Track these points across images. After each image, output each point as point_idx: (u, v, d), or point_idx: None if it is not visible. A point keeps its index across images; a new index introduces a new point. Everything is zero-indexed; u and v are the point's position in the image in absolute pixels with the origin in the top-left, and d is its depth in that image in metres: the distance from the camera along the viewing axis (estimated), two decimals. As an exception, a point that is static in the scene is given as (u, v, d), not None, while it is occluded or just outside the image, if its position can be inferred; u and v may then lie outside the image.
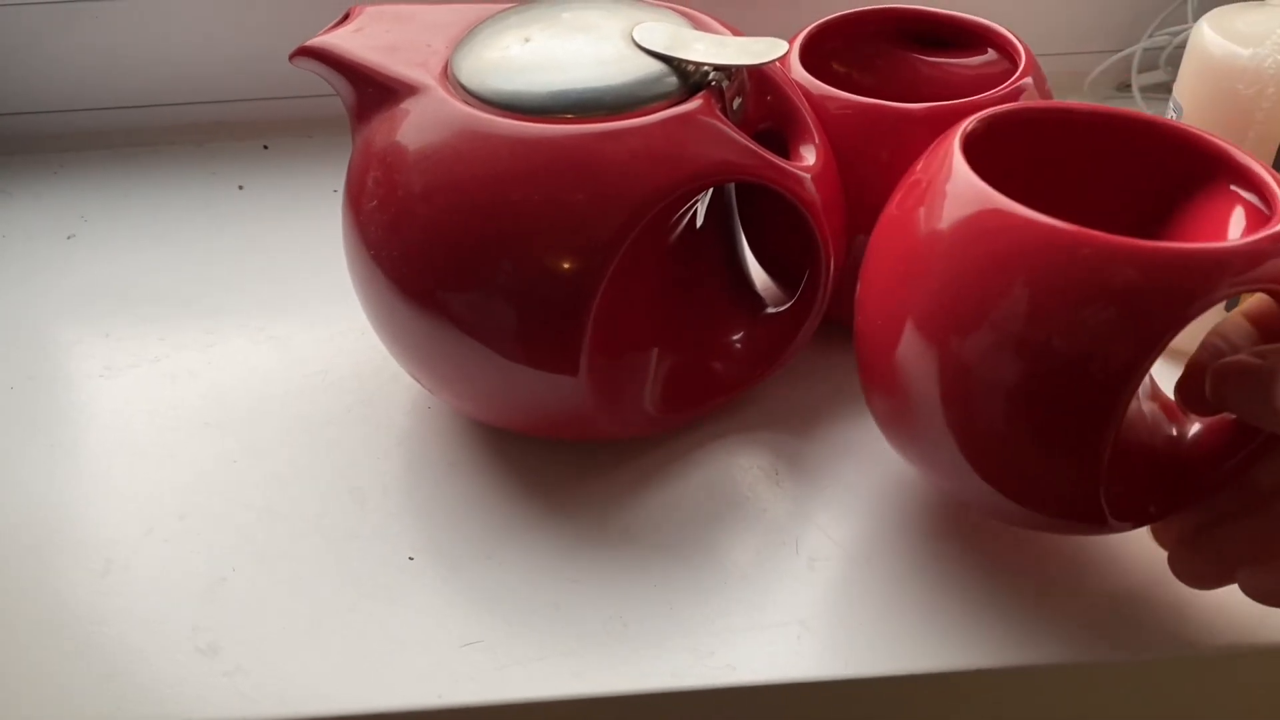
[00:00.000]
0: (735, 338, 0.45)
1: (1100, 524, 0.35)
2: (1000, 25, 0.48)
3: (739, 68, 0.40)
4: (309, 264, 0.55)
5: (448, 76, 0.40)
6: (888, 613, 0.38)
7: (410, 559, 0.41)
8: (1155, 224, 0.39)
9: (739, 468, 0.44)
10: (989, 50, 0.49)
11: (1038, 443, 0.34)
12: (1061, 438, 0.33)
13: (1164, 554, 0.36)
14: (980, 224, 0.33)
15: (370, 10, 0.44)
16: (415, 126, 0.39)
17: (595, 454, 0.44)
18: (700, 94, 0.39)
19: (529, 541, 0.41)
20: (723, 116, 0.39)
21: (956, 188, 0.34)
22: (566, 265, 0.37)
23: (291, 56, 0.42)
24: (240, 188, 0.61)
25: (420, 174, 0.38)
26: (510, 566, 0.40)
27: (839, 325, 0.44)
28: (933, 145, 0.38)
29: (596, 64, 0.39)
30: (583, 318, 0.37)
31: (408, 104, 0.40)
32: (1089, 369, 0.32)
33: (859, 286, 0.39)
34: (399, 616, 0.39)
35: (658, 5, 0.43)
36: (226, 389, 0.48)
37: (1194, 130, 0.37)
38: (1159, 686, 0.38)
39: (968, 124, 0.37)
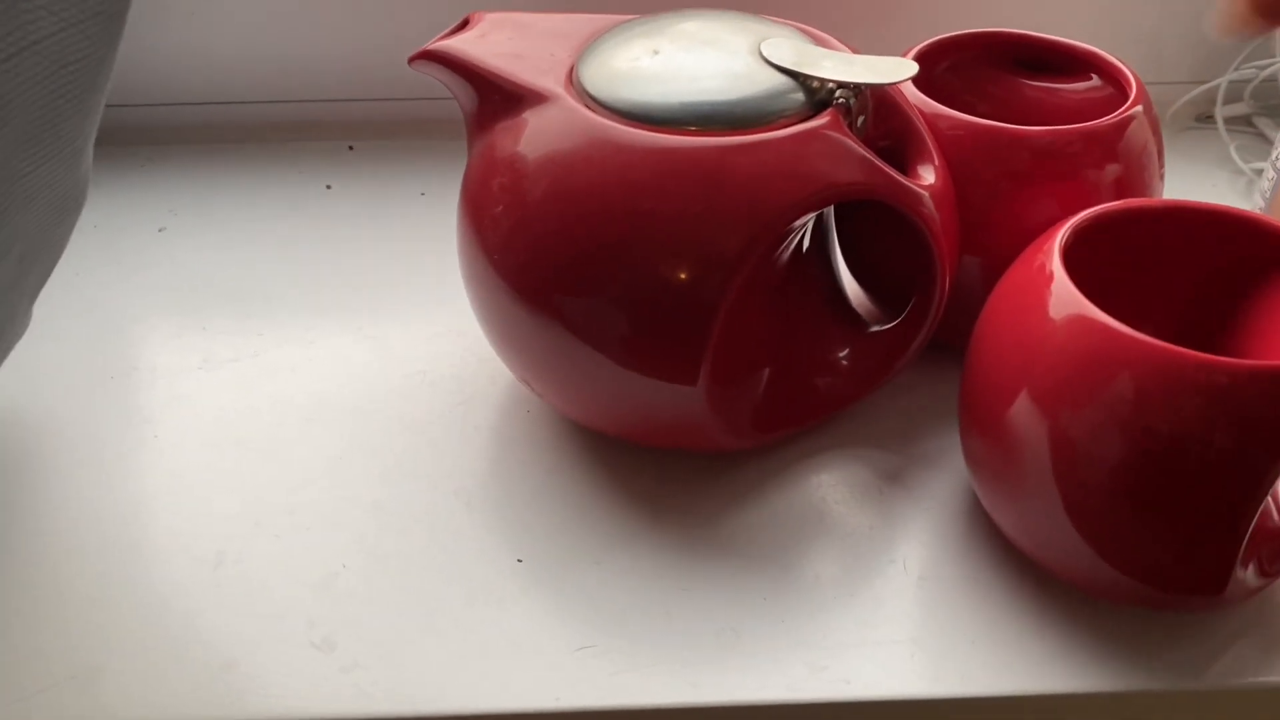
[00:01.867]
0: (841, 354, 0.45)
1: (1215, 595, 0.36)
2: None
3: (867, 86, 0.40)
4: (401, 266, 0.55)
5: (574, 85, 0.41)
6: (1001, 632, 0.38)
7: (519, 561, 0.41)
8: (1231, 299, 0.41)
9: (842, 483, 0.44)
10: (1093, 76, 0.50)
11: (1171, 527, 0.35)
12: (1198, 524, 0.34)
13: None
14: (1082, 329, 0.35)
15: (490, 17, 0.44)
16: (544, 134, 0.39)
17: (695, 464, 0.44)
18: (827, 111, 0.39)
19: (635, 549, 0.41)
20: (851, 133, 0.39)
21: (1059, 293, 0.36)
22: (695, 275, 0.37)
23: (412, 59, 0.43)
24: (328, 187, 0.61)
25: (549, 181, 0.39)
26: (619, 572, 0.40)
27: (935, 342, 0.44)
28: (1035, 242, 0.39)
29: (726, 77, 0.40)
30: (708, 329, 0.38)
31: (536, 111, 0.40)
32: (1223, 470, 0.33)
33: (973, 342, 0.39)
34: (511, 618, 0.39)
35: (778, 21, 0.44)
36: (328, 386, 0.48)
37: (1263, 218, 0.40)
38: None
39: (1064, 234, 0.38)
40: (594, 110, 0.39)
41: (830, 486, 0.44)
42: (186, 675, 0.37)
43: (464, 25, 0.44)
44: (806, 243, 0.45)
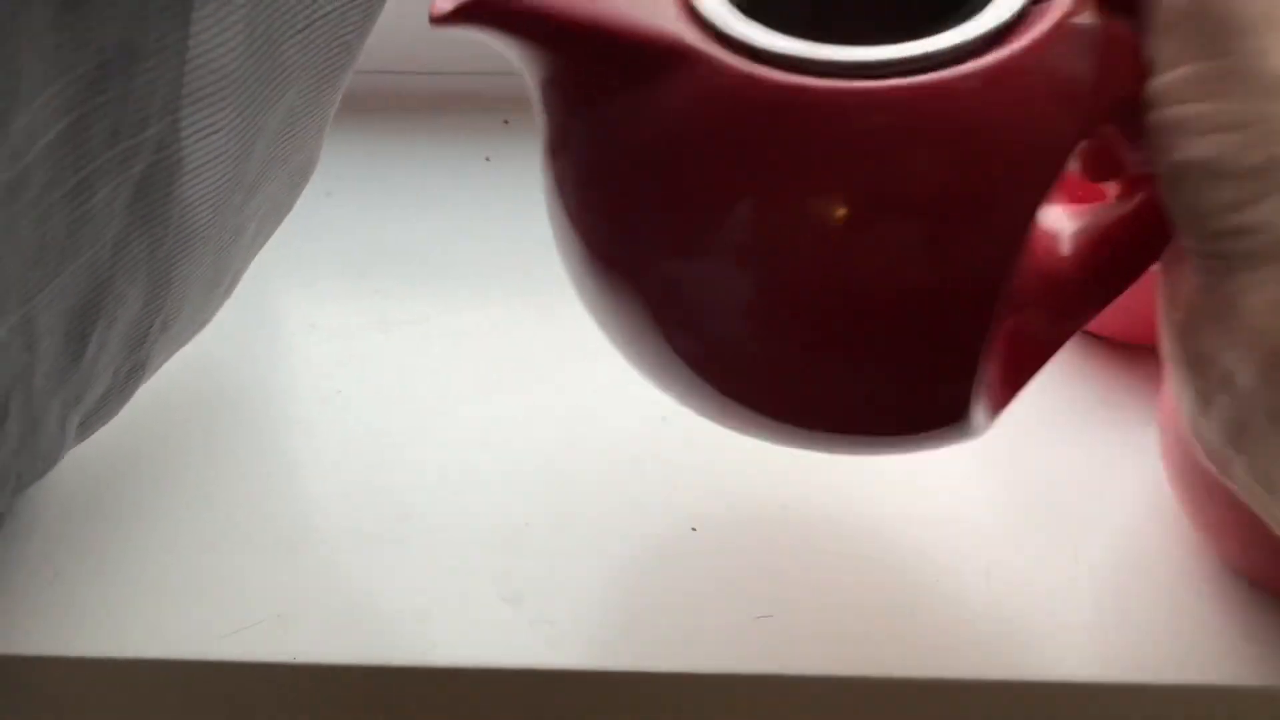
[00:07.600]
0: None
1: None
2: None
3: None
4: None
5: (721, 37, 0.29)
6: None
7: (693, 530, 0.42)
8: None
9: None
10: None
11: None
12: None
13: None
14: None
15: None
16: (721, 103, 0.29)
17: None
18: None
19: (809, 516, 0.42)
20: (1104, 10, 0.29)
21: None
22: (977, 251, 0.28)
23: (455, 13, 0.30)
24: (487, 159, 0.63)
25: (778, 171, 0.29)
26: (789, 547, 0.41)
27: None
28: None
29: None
30: (989, 315, 0.29)
31: (688, 75, 0.29)
32: None
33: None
34: (688, 581, 0.40)
35: None
36: (500, 352, 0.49)
37: None
38: None
39: None
40: (792, 70, 0.28)
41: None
42: (381, 624, 0.39)
43: None
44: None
